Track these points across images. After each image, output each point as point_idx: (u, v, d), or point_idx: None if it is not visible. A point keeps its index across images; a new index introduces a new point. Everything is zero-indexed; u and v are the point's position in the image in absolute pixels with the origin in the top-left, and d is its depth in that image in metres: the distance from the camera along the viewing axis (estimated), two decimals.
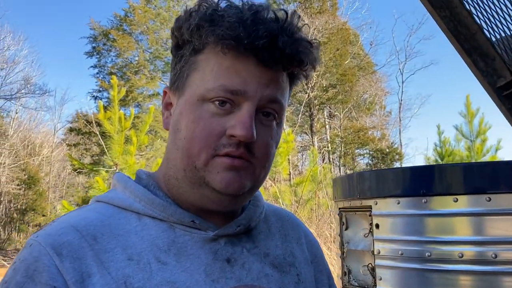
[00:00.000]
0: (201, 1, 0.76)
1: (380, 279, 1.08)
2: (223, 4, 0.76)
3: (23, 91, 26.29)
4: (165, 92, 0.84)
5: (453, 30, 1.38)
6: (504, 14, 1.35)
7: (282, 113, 0.80)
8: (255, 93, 0.73)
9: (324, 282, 0.98)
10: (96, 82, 28.48)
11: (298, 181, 9.76)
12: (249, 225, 0.85)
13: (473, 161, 8.47)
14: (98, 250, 0.70)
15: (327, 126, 33.24)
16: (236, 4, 0.76)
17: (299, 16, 0.77)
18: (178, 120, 0.77)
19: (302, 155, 28.98)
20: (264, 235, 0.88)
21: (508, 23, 1.38)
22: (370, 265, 1.15)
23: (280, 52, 0.72)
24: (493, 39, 1.42)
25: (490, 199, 0.95)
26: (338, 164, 32.46)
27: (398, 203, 1.05)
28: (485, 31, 1.41)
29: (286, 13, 0.75)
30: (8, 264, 6.49)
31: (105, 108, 8.03)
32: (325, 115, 33.23)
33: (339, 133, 32.40)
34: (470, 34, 1.38)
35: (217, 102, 0.72)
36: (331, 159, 31.15)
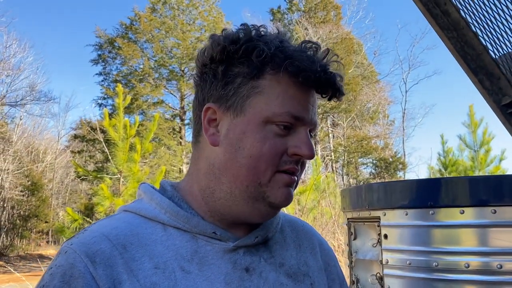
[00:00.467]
0: (249, 29, 0.84)
1: None
2: (274, 34, 0.85)
3: (28, 97, 26.44)
4: (208, 108, 0.85)
5: (460, 50, 1.43)
6: (509, 36, 1.39)
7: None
8: (310, 120, 0.83)
9: (336, 286, 1.01)
10: (101, 89, 28.64)
11: (301, 190, 9.74)
12: (267, 236, 0.89)
13: (477, 171, 8.47)
14: (128, 259, 0.75)
15: (330, 135, 33.25)
16: (286, 35, 0.87)
17: (336, 54, 0.87)
18: (240, 139, 0.81)
19: None
20: (280, 246, 0.93)
21: None
22: (378, 274, 1.19)
23: (333, 85, 0.84)
24: (498, 59, 1.47)
25: (495, 211, 0.99)
26: (341, 173, 32.42)
27: (406, 214, 1.09)
28: (490, 51, 1.47)
29: (328, 50, 0.86)
30: (12, 269, 6.52)
31: (110, 115, 8.07)
32: (328, 124, 33.25)
33: (342, 142, 32.40)
34: (476, 54, 1.44)
35: (281, 126, 0.80)
36: (334, 168, 31.13)
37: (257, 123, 0.80)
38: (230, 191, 0.82)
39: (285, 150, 0.80)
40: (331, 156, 31.32)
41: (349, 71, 30.08)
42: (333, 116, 32.57)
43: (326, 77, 0.81)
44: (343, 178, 31.40)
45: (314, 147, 0.86)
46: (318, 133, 30.14)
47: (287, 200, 0.82)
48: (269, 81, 0.81)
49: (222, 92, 0.84)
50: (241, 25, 0.85)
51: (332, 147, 32.47)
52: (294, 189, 0.85)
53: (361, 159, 33.49)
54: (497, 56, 1.46)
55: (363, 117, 33.78)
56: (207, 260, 0.80)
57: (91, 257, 0.73)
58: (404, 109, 33.67)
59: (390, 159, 31.56)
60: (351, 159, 32.80)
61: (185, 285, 0.75)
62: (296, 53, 0.80)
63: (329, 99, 0.87)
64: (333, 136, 33.69)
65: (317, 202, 9.41)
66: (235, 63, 0.83)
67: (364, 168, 34.56)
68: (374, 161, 32.91)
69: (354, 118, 32.29)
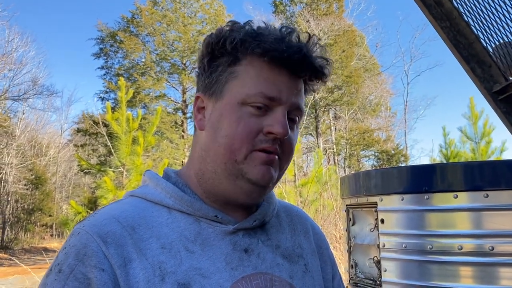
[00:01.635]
0: (234, 23, 0.89)
1: (385, 270, 1.15)
2: (255, 26, 0.89)
3: (30, 92, 26.49)
4: (197, 97, 0.93)
5: (453, 39, 1.47)
6: (499, 25, 1.42)
7: (301, 119, 0.94)
8: (286, 100, 0.86)
9: (328, 271, 1.08)
10: (103, 83, 28.67)
11: (303, 182, 9.76)
12: (264, 219, 0.95)
13: None
14: (137, 239, 0.81)
15: (332, 128, 33.23)
16: (269, 25, 0.90)
17: (319, 39, 0.91)
18: (218, 121, 0.87)
19: (307, 156, 28.98)
20: (276, 229, 0.99)
21: (503, 33, 1.45)
22: (375, 258, 1.23)
23: (309, 65, 0.87)
24: (489, 48, 1.51)
25: (487, 196, 1.02)
26: (343, 165, 32.44)
27: (402, 199, 1.13)
28: (482, 40, 1.51)
29: (309, 35, 0.89)
30: (17, 261, 6.59)
31: (112, 109, 8.10)
32: (331, 117, 33.23)
33: (344, 134, 32.38)
34: (468, 43, 1.47)
35: (255, 106, 0.84)
36: (336, 161, 31.14)
37: (233, 104, 0.85)
38: (214, 170, 0.87)
39: (260, 130, 0.84)
40: (333, 148, 31.32)
41: (351, 64, 30.00)
42: (335, 108, 32.53)
43: (299, 57, 0.84)
44: (345, 170, 31.44)
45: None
46: (320, 125, 30.11)
47: (264, 177, 0.85)
48: (244, 66, 0.86)
49: (207, 81, 0.90)
50: (229, 21, 0.91)
51: (334, 139, 32.47)
52: (280, 170, 0.89)
53: (363, 151, 33.50)
54: (488, 45, 1.50)
55: (365, 109, 33.74)
56: (209, 241, 0.85)
57: (103, 237, 0.78)
58: (406, 101, 33.64)
59: (392, 152, 31.56)
60: (353, 151, 32.81)
61: (189, 264, 0.81)
62: (265, 36, 0.84)
63: (310, 80, 0.91)
64: (335, 128, 33.68)
65: (319, 195, 9.44)
66: (216, 54, 0.89)
67: (366, 161, 34.59)
68: (376, 154, 32.91)
69: (356, 110, 32.25)
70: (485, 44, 1.50)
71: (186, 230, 0.85)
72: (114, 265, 0.76)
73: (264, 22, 0.92)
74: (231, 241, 0.87)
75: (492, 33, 1.46)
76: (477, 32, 1.51)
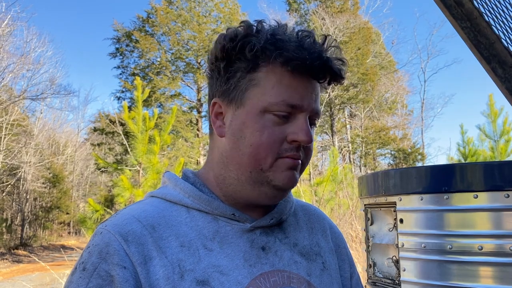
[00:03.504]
0: (248, 25, 0.89)
1: (404, 270, 1.15)
2: (267, 26, 0.89)
3: (48, 91, 26.88)
4: (214, 103, 0.93)
5: (473, 39, 1.46)
6: None
7: (319, 120, 0.96)
8: (308, 106, 0.87)
9: (346, 269, 1.09)
10: (119, 82, 28.94)
11: (319, 181, 9.73)
12: (281, 218, 0.96)
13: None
14: (156, 238, 0.83)
15: (347, 126, 33.02)
16: (282, 26, 0.90)
17: (335, 39, 0.91)
18: (240, 129, 0.87)
19: (322, 155, 28.86)
20: (293, 228, 1.00)
21: None
22: (394, 258, 1.23)
23: (329, 70, 0.87)
24: (511, 48, 1.49)
25: (508, 196, 1.02)
26: (358, 164, 32.23)
27: (422, 199, 1.12)
28: (503, 40, 1.49)
29: (325, 37, 0.90)
30: (35, 258, 6.72)
31: (128, 108, 8.19)
32: (346, 115, 33.02)
33: (360, 133, 32.15)
34: (489, 43, 1.46)
35: (278, 115, 0.85)
36: (351, 159, 30.95)
37: (255, 113, 0.86)
38: (237, 178, 0.89)
39: (284, 138, 0.85)
40: (348, 147, 31.14)
41: (367, 61, 29.75)
42: (350, 106, 32.32)
43: (320, 63, 0.85)
44: (360, 169, 31.24)
45: (313, 132, 0.90)
46: (336, 124, 29.95)
47: (291, 182, 0.87)
48: (264, 73, 0.86)
49: (225, 87, 0.90)
50: (241, 22, 0.90)
51: (349, 138, 32.28)
52: (300, 173, 0.91)
53: (379, 150, 33.23)
54: (510, 45, 1.48)
55: (381, 107, 33.46)
56: (227, 239, 0.87)
57: (124, 236, 0.81)
58: (423, 99, 33.25)
59: (409, 150, 31.23)
60: (369, 150, 32.57)
61: (208, 262, 0.83)
62: (285, 43, 0.84)
63: (329, 84, 0.91)
64: (351, 127, 33.48)
65: (334, 193, 9.40)
66: (233, 60, 0.88)
67: (382, 159, 34.31)
68: (392, 152, 32.62)
69: (372, 108, 32.00)
70: (506, 44, 1.48)
71: (204, 228, 0.87)
72: (135, 263, 0.79)
73: (277, 22, 0.91)
74: (249, 239, 0.89)
75: None
76: (498, 32, 1.50)
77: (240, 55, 0.87)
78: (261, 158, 0.85)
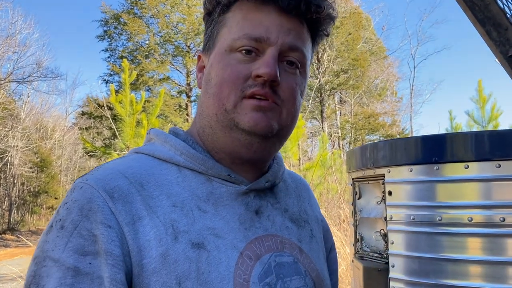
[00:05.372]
0: None
1: (392, 243, 1.13)
2: None
3: (35, 74, 26.49)
4: (199, 57, 0.90)
5: (468, 1, 1.41)
6: None
7: (305, 63, 0.86)
8: (276, 39, 0.80)
9: (328, 239, 1.09)
10: (107, 66, 28.56)
11: (308, 166, 9.77)
12: (274, 181, 0.93)
13: None
14: (146, 196, 0.76)
15: (337, 112, 33.09)
16: None
17: None
18: (209, 72, 0.84)
19: (312, 141, 28.93)
20: (284, 193, 0.97)
21: None
22: (382, 231, 1.20)
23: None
24: (507, 9, 1.45)
25: (499, 166, 0.99)
26: (348, 150, 32.37)
27: (411, 170, 1.10)
28: (498, 1, 1.44)
29: None
30: (25, 240, 6.66)
31: (116, 91, 8.07)
32: (336, 101, 33.06)
33: (350, 119, 32.26)
34: (484, 4, 1.41)
35: (243, 51, 0.80)
36: (341, 145, 31.08)
37: (221, 53, 0.82)
38: (209, 124, 0.84)
39: (249, 75, 0.79)
40: (338, 133, 31.23)
41: (358, 47, 29.69)
42: (340, 93, 32.35)
43: None
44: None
45: (277, 66, 0.80)
46: (325, 110, 29.94)
47: (257, 124, 0.79)
48: (232, 12, 0.83)
49: (205, 38, 0.88)
50: None
51: (339, 124, 32.37)
52: (279, 120, 0.83)
53: (368, 136, 33.40)
54: (505, 6, 1.44)
55: (371, 93, 33.52)
56: (222, 201, 0.82)
57: (109, 192, 0.73)
58: (412, 85, 33.35)
59: (398, 136, 31.45)
60: (358, 136, 32.73)
61: (202, 223, 0.78)
62: None
63: (305, 16, 0.83)
64: (340, 113, 33.53)
65: (323, 178, 9.45)
66: (210, 9, 0.87)
67: None
68: (381, 138, 32.82)
69: (361, 95, 32.04)
70: (501, 6, 1.44)
71: (197, 189, 0.81)
72: (121, 222, 0.72)
73: None
74: (243, 201, 0.85)
75: None
76: None
77: (214, 1, 0.85)
78: (224, 96, 0.80)
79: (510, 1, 1.44)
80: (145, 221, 0.74)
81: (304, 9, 0.81)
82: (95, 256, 0.69)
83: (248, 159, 0.86)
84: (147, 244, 0.72)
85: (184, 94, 28.48)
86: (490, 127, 9.24)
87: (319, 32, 0.89)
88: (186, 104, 27.98)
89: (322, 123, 29.82)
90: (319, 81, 27.42)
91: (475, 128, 9.48)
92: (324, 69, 28.00)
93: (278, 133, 0.84)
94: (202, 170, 0.83)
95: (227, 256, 0.77)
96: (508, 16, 1.40)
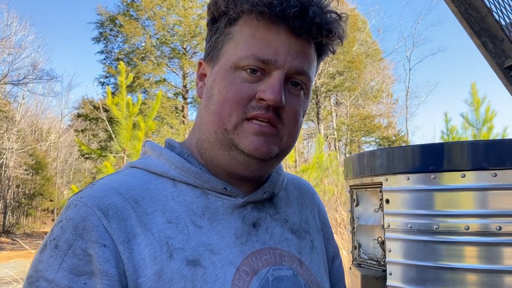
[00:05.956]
0: None
1: (390, 251, 1.13)
2: None
3: (30, 76, 26.37)
4: (200, 64, 0.88)
5: (464, 13, 1.43)
6: None
7: (310, 85, 0.85)
8: (284, 62, 0.78)
9: (330, 250, 1.07)
10: (103, 68, 28.49)
11: (304, 168, 9.76)
12: (273, 192, 0.91)
13: None
14: (140, 213, 0.75)
15: (333, 114, 33.13)
16: None
17: None
18: (211, 87, 0.81)
19: (308, 142, 28.96)
20: (284, 203, 0.95)
21: None
22: (379, 239, 1.21)
23: (310, 21, 0.77)
24: (502, 21, 1.46)
25: (496, 175, 1.00)
26: (344, 151, 32.42)
27: (408, 179, 1.10)
28: (494, 13, 1.46)
29: None
30: (22, 243, 6.62)
31: (112, 94, 8.04)
32: (332, 103, 33.10)
33: (346, 120, 32.30)
34: (480, 16, 1.43)
35: (248, 70, 0.77)
36: (337, 147, 31.11)
37: (226, 69, 0.79)
38: (208, 139, 0.82)
39: (253, 96, 0.78)
40: (334, 134, 31.27)
41: (353, 49, 29.74)
42: (336, 94, 32.39)
43: (296, 11, 0.76)
44: (345, 156, 31.42)
45: (282, 91, 0.78)
46: (321, 111, 29.98)
47: (258, 149, 0.78)
48: (239, 26, 0.80)
49: (207, 46, 0.85)
50: None
51: (335, 125, 32.40)
52: (279, 145, 0.82)
53: (364, 137, 33.47)
54: (501, 18, 1.46)
55: (366, 95, 33.59)
56: (217, 215, 0.81)
57: (103, 210, 0.72)
58: (408, 87, 33.47)
59: (393, 138, 31.53)
60: (354, 137, 32.77)
61: (198, 240, 0.77)
62: None
63: (315, 39, 0.81)
64: (336, 115, 33.58)
65: (319, 180, 9.44)
66: (215, 16, 0.84)
67: (367, 147, 34.57)
68: (377, 140, 32.89)
69: (357, 96, 32.10)
70: (497, 18, 1.45)
71: (193, 203, 0.80)
72: (116, 241, 0.71)
73: None
74: (240, 214, 0.83)
75: (506, 5, 1.43)
76: (489, 5, 1.47)
77: (219, 9, 0.82)
78: (225, 116, 0.78)
79: (506, 14, 1.46)
80: (140, 238, 0.73)
81: (315, 33, 0.79)
82: (90, 276, 0.68)
83: (246, 177, 0.85)
84: (142, 262, 0.71)
85: (181, 96, 28.43)
86: (484, 129, 9.27)
87: (326, 50, 0.88)
88: (183, 106, 27.93)
89: (318, 124, 29.85)
90: (315, 83, 27.44)
91: (470, 130, 9.51)
92: (320, 71, 28.02)
93: (278, 155, 0.84)
94: (197, 184, 0.82)
95: (224, 272, 0.76)
96: (504, 28, 1.42)
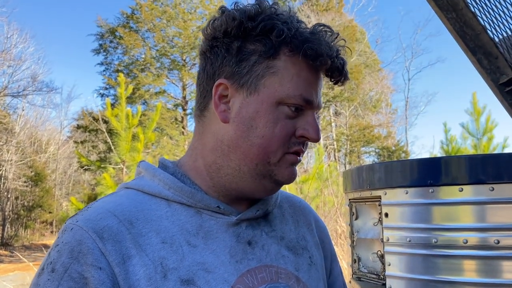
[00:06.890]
0: (260, 3, 0.84)
1: (389, 264, 1.14)
2: (289, 14, 0.86)
3: (30, 88, 26.46)
4: (219, 84, 0.84)
5: (459, 30, 1.46)
6: (506, 16, 1.41)
7: None
8: (317, 102, 0.86)
9: (327, 267, 1.06)
10: (102, 79, 28.61)
11: (304, 179, 9.73)
12: (267, 209, 0.92)
13: None
14: (135, 234, 0.76)
15: (332, 124, 33.17)
16: (293, 15, 0.86)
17: (343, 39, 0.89)
18: (253, 118, 0.81)
19: (308, 153, 28.92)
20: (279, 220, 0.96)
21: (510, 24, 1.44)
22: (379, 252, 1.21)
23: (341, 70, 0.86)
24: (496, 39, 1.50)
25: (493, 189, 1.01)
26: (343, 162, 32.40)
27: (407, 193, 1.11)
28: (488, 31, 1.49)
29: (337, 34, 0.87)
30: (20, 256, 6.59)
31: (112, 105, 8.06)
32: (331, 113, 33.16)
33: (345, 131, 32.33)
34: (474, 34, 1.46)
35: (293, 108, 0.83)
36: (336, 157, 31.09)
37: (271, 103, 0.81)
38: (238, 168, 0.83)
39: (293, 132, 0.83)
40: (333, 145, 31.29)
41: (352, 60, 29.88)
42: (335, 105, 32.47)
43: (340, 63, 0.84)
44: (345, 167, 31.40)
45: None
46: (321, 122, 30.07)
47: (292, 178, 0.85)
48: (284, 62, 0.82)
49: (236, 68, 0.83)
50: (256, 1, 0.84)
51: (334, 136, 32.43)
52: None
53: (364, 148, 33.47)
54: (495, 36, 1.48)
55: (365, 105, 33.67)
56: (211, 234, 0.82)
57: (98, 233, 0.74)
58: (407, 98, 33.57)
59: (393, 148, 31.54)
60: (353, 148, 32.79)
61: (192, 259, 0.77)
62: (313, 36, 0.82)
63: (335, 83, 0.89)
64: (336, 125, 33.63)
65: (319, 191, 9.42)
66: (251, 40, 0.82)
67: (366, 157, 34.55)
68: (376, 150, 32.90)
69: (356, 107, 32.18)
70: (492, 35, 1.48)
71: (187, 223, 0.81)
72: (112, 263, 0.72)
73: (290, 9, 0.88)
74: (234, 233, 0.84)
75: (499, 23, 1.45)
76: (483, 23, 1.50)
77: (262, 37, 0.81)
78: (272, 151, 0.82)
79: (499, 31, 1.48)
80: (135, 260, 0.74)
81: (340, 80, 0.88)
82: None
83: (257, 199, 0.90)
84: (137, 283, 0.72)
85: (180, 107, 28.50)
86: (485, 139, 9.28)
87: None
88: (182, 117, 27.98)
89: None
90: None
91: (470, 140, 9.52)
92: None
93: None
94: (191, 203, 0.83)
95: None
96: (498, 45, 1.44)
